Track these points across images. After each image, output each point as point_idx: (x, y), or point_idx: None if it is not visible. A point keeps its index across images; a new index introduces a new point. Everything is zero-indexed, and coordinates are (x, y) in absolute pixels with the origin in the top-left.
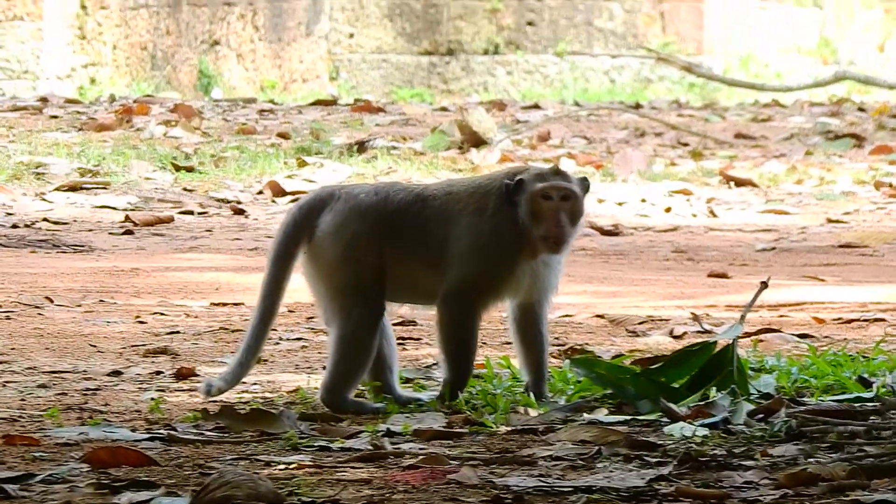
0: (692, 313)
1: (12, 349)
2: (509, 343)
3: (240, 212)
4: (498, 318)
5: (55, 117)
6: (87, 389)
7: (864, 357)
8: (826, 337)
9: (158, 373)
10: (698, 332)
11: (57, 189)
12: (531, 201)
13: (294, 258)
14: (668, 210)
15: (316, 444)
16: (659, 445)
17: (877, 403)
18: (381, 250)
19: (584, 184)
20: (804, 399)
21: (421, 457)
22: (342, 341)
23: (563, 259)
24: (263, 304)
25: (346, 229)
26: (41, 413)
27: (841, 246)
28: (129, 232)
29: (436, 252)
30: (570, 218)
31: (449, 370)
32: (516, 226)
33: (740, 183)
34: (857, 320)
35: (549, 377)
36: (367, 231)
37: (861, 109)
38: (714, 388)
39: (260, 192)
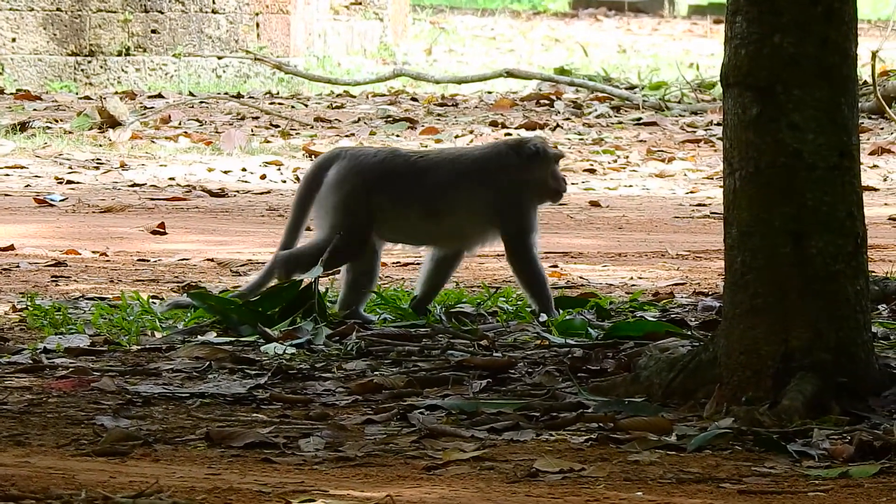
0: None
1: None
2: (140, 280)
3: None
4: (131, 261)
5: None
6: None
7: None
8: (387, 276)
9: None
10: None
11: None
12: (551, 163)
13: (310, 202)
14: (263, 177)
15: None
16: (257, 361)
17: (428, 329)
18: (372, 201)
19: None
20: (371, 325)
21: (71, 369)
22: (344, 271)
23: None
24: (285, 238)
25: (345, 183)
26: None
27: None
28: None
29: (433, 205)
30: None
31: (536, 300)
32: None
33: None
34: (412, 264)
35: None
36: (360, 185)
37: (414, 99)
38: (300, 317)
39: None
